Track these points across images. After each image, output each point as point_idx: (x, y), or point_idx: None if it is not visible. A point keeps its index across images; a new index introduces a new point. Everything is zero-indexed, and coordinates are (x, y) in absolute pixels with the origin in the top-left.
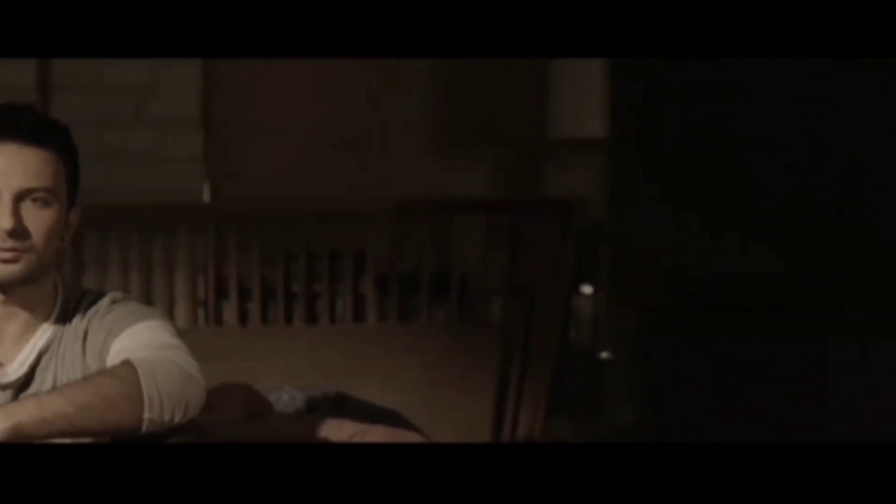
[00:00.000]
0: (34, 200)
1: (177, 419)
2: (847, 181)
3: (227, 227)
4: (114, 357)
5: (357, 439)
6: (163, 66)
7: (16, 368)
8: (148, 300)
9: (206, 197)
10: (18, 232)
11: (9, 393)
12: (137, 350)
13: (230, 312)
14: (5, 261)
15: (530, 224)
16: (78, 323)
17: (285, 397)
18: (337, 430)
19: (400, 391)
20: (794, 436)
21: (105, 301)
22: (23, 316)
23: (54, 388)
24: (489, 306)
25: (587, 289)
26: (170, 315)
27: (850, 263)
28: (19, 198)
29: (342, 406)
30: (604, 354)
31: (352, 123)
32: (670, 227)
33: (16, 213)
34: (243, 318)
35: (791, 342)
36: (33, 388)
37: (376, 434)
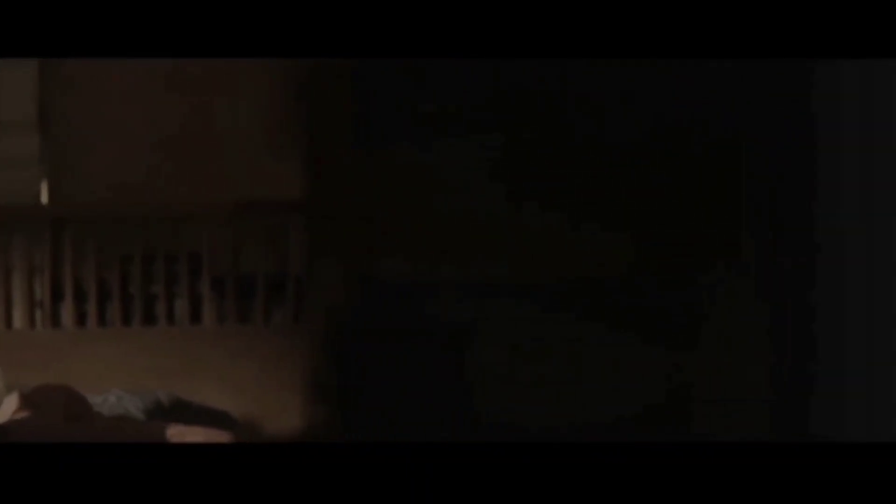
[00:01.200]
0: None
1: None
2: None
3: (63, 228)
4: None
5: (175, 440)
6: None
7: None
8: None
9: (44, 199)
10: None
11: None
12: None
13: (67, 314)
14: None
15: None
16: None
17: (112, 399)
18: (157, 432)
19: (236, 393)
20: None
21: None
22: None
23: None
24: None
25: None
26: (7, 317)
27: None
28: None
29: (171, 408)
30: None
31: (189, 126)
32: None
33: None
34: (81, 319)
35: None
36: None
37: (194, 435)
